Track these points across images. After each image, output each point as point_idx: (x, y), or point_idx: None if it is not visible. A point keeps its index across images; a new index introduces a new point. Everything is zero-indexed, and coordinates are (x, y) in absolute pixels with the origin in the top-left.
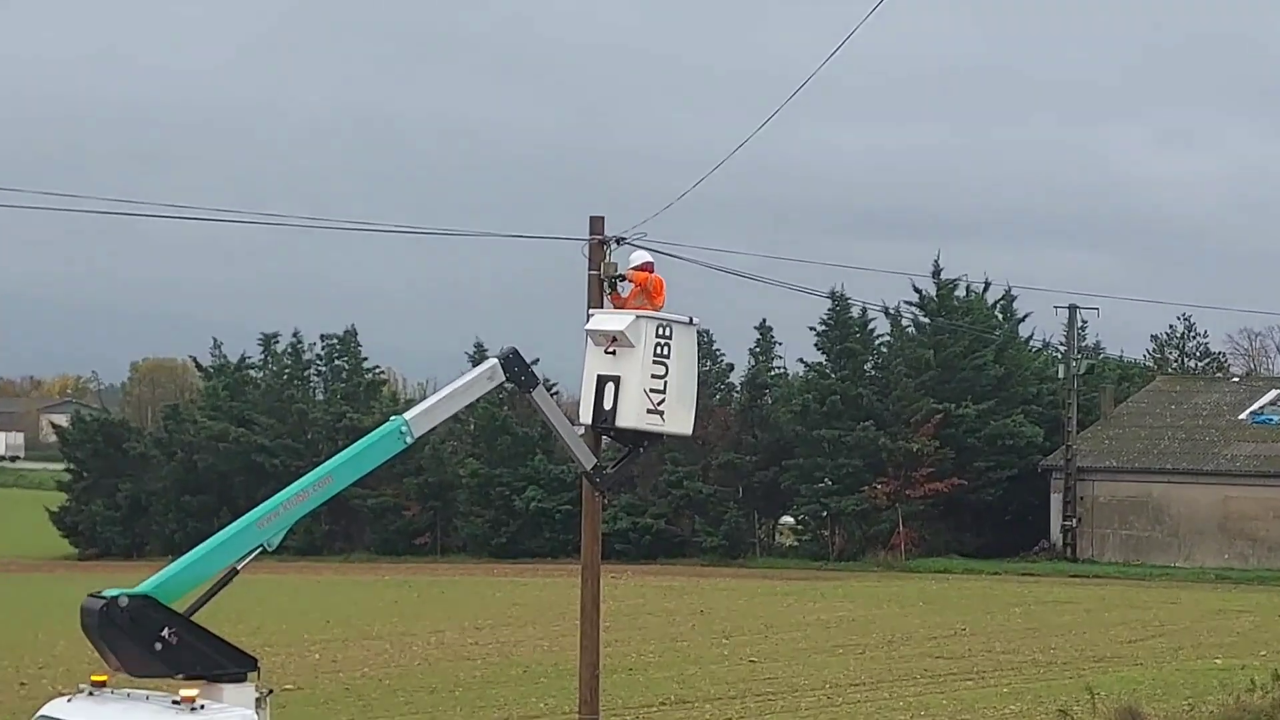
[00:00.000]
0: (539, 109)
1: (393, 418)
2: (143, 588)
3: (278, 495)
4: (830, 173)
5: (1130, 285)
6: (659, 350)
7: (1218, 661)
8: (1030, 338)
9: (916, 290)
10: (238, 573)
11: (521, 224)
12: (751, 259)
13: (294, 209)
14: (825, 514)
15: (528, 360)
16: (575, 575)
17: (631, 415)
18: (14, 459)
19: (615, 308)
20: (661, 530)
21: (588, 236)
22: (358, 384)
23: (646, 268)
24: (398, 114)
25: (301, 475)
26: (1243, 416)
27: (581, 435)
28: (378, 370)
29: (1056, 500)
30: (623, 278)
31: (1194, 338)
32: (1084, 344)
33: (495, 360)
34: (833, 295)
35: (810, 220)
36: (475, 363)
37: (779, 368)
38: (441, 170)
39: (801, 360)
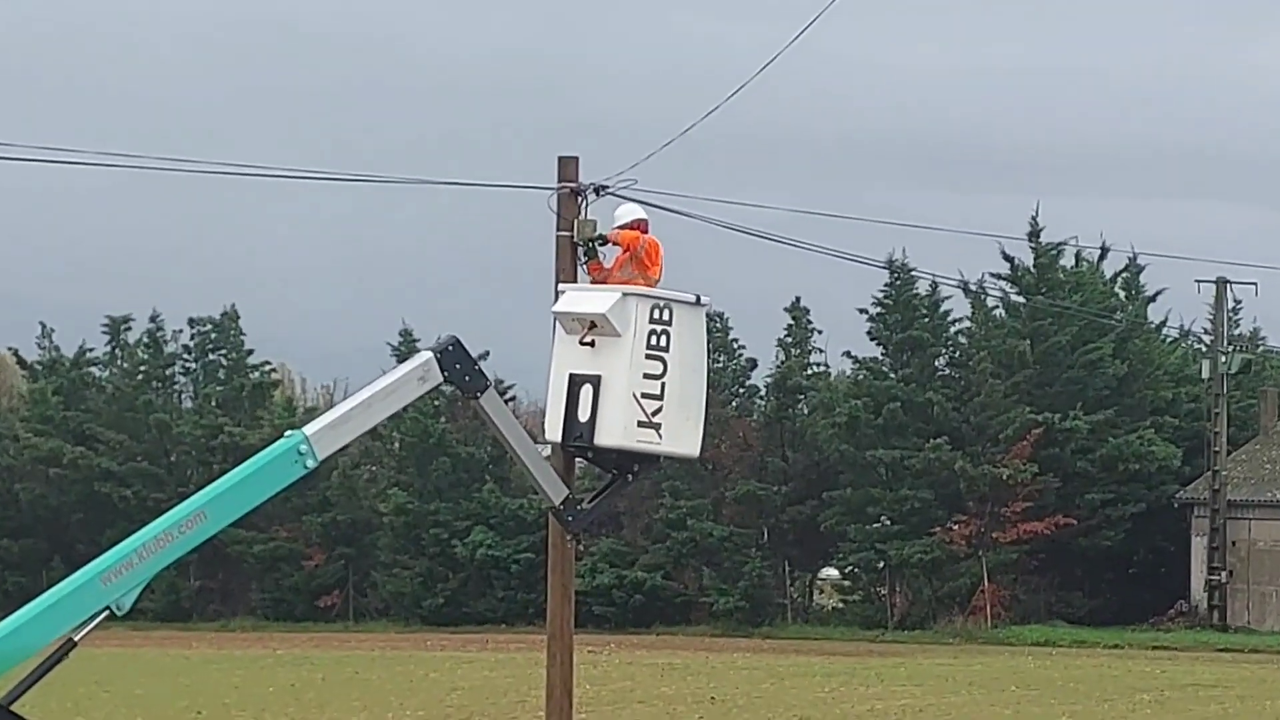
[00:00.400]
0: (490, 12)
1: (288, 433)
2: None
3: (130, 539)
4: (885, 101)
5: None
6: (654, 340)
7: None
8: (1164, 323)
9: (1007, 258)
10: (76, 645)
11: (465, 168)
12: (780, 216)
13: (150, 147)
14: (882, 565)
15: (473, 354)
16: (539, 649)
17: (616, 430)
18: None
19: (594, 282)
20: (657, 587)
21: (555, 185)
22: (239, 387)
23: (638, 227)
24: (296, 20)
25: (163, 511)
26: None
27: (548, 457)
28: (268, 368)
29: (1199, 546)
30: (604, 239)
31: None
32: (1237, 332)
33: (429, 354)
34: (892, 265)
35: (859, 164)
36: (402, 357)
37: (818, 364)
38: (356, 97)
39: (849, 354)
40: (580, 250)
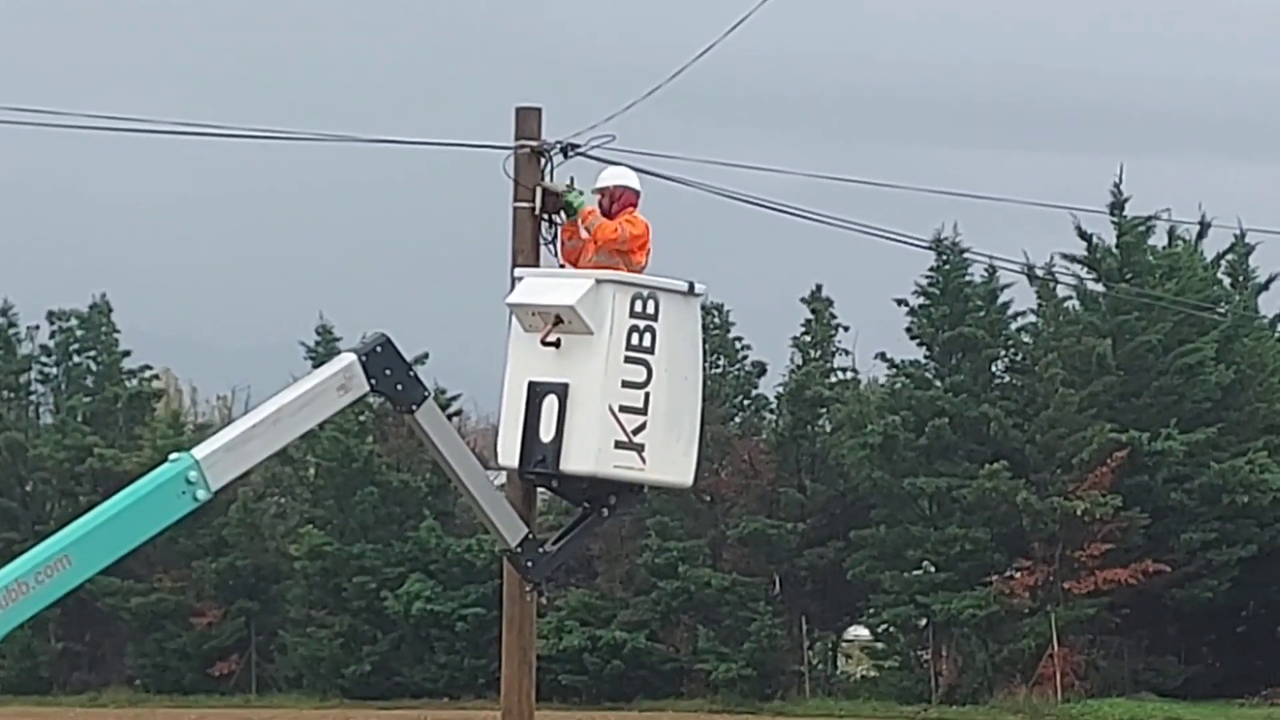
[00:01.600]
0: None
1: (174, 456)
2: None
3: None
4: (925, 38)
5: None
6: (635, 339)
7: None
8: (1279, 317)
9: (1083, 235)
10: None
11: (399, 124)
12: (795, 182)
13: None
14: (924, 623)
15: (407, 357)
16: None
17: (588, 452)
18: None
19: (567, 262)
20: (640, 650)
21: (512, 143)
22: (112, 398)
23: (623, 199)
24: None
25: (16, 554)
26: None
27: (501, 487)
28: (148, 374)
29: None
30: (574, 193)
31: None
32: None
33: (352, 357)
34: (939, 244)
35: (893, 118)
36: (319, 361)
37: (844, 370)
38: (259, 33)
39: (883, 356)
40: (544, 222)
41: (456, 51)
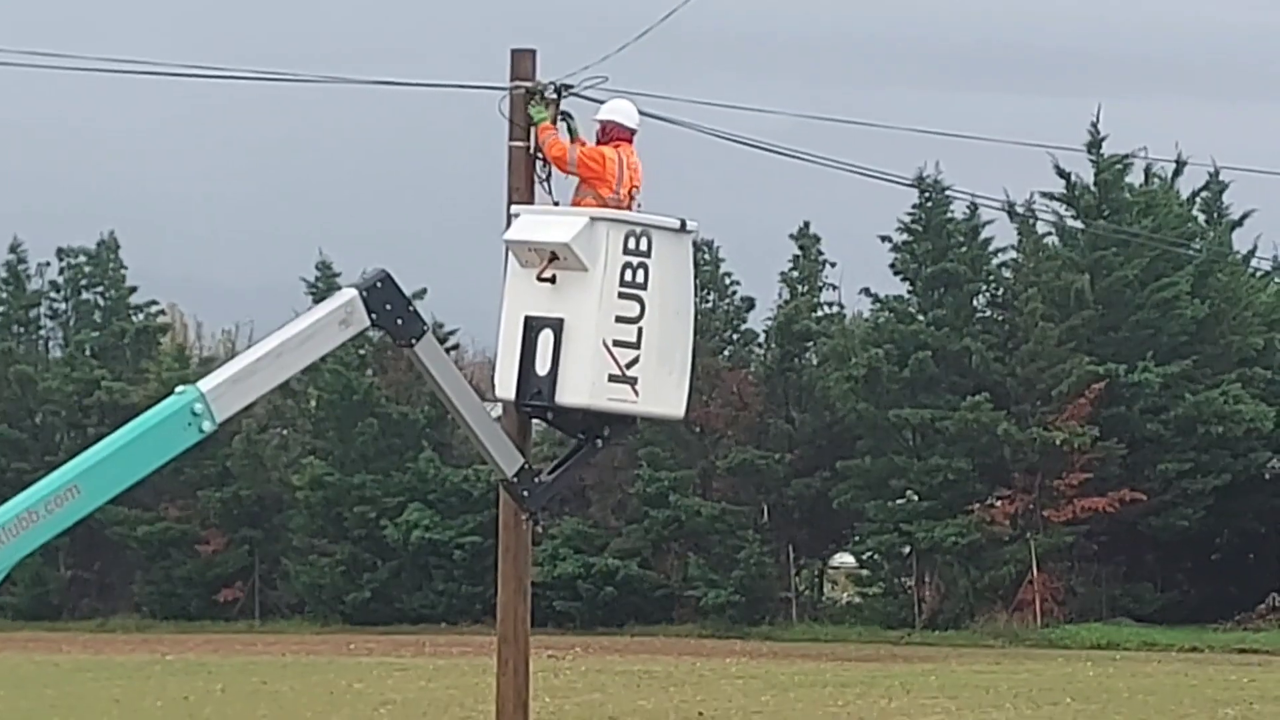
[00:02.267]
0: None
1: (180, 389)
2: None
3: None
4: None
5: None
6: (629, 275)
7: None
8: (1252, 253)
9: (1061, 174)
10: None
11: (395, 65)
12: (782, 122)
13: (5, 38)
14: (908, 551)
15: (406, 293)
16: (488, 654)
17: (583, 385)
18: None
19: (545, 155)
20: (633, 577)
21: (507, 84)
22: (119, 332)
23: (612, 132)
24: None
25: (27, 484)
26: None
27: (498, 419)
28: (154, 309)
29: None
30: (535, 108)
31: None
32: None
33: (353, 292)
34: (921, 182)
35: (877, 60)
36: (319, 296)
37: (830, 304)
38: None
39: (868, 292)
40: (536, 159)
41: None
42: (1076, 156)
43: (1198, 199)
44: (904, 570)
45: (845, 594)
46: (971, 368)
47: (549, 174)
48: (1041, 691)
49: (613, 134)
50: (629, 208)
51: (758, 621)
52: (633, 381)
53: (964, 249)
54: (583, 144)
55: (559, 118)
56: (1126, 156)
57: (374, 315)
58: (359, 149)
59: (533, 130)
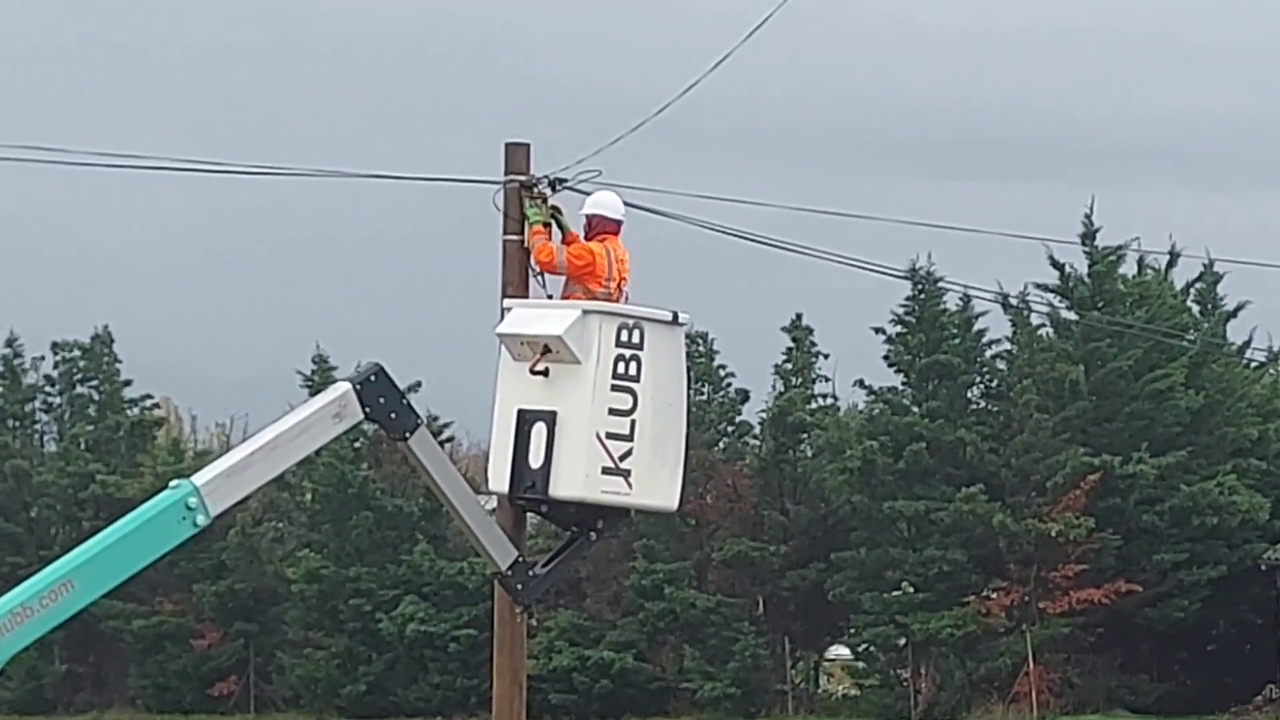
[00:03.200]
0: None
1: (175, 483)
2: None
3: None
4: (899, 72)
5: None
6: (622, 368)
7: None
8: (1247, 344)
9: (1055, 265)
10: None
11: (391, 159)
12: (775, 214)
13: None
14: (904, 642)
15: (400, 386)
16: None
17: (576, 478)
18: None
19: (534, 261)
20: (628, 670)
21: (502, 178)
22: (114, 426)
23: (599, 226)
24: None
25: (21, 579)
26: None
27: (492, 512)
28: (149, 403)
29: None
30: (554, 212)
31: None
32: None
33: (347, 386)
34: (914, 274)
35: (868, 150)
36: (314, 390)
37: (824, 396)
38: (252, 72)
39: (862, 384)
40: (524, 236)
41: (445, 89)
42: (1070, 248)
43: (1192, 290)
44: (900, 662)
45: (841, 686)
46: (966, 459)
47: (526, 233)
48: None
49: (599, 227)
50: (618, 300)
51: (754, 714)
52: (626, 474)
53: (958, 340)
54: (575, 238)
55: (550, 215)
56: (1120, 247)
57: (368, 409)
58: (353, 242)
59: (526, 228)
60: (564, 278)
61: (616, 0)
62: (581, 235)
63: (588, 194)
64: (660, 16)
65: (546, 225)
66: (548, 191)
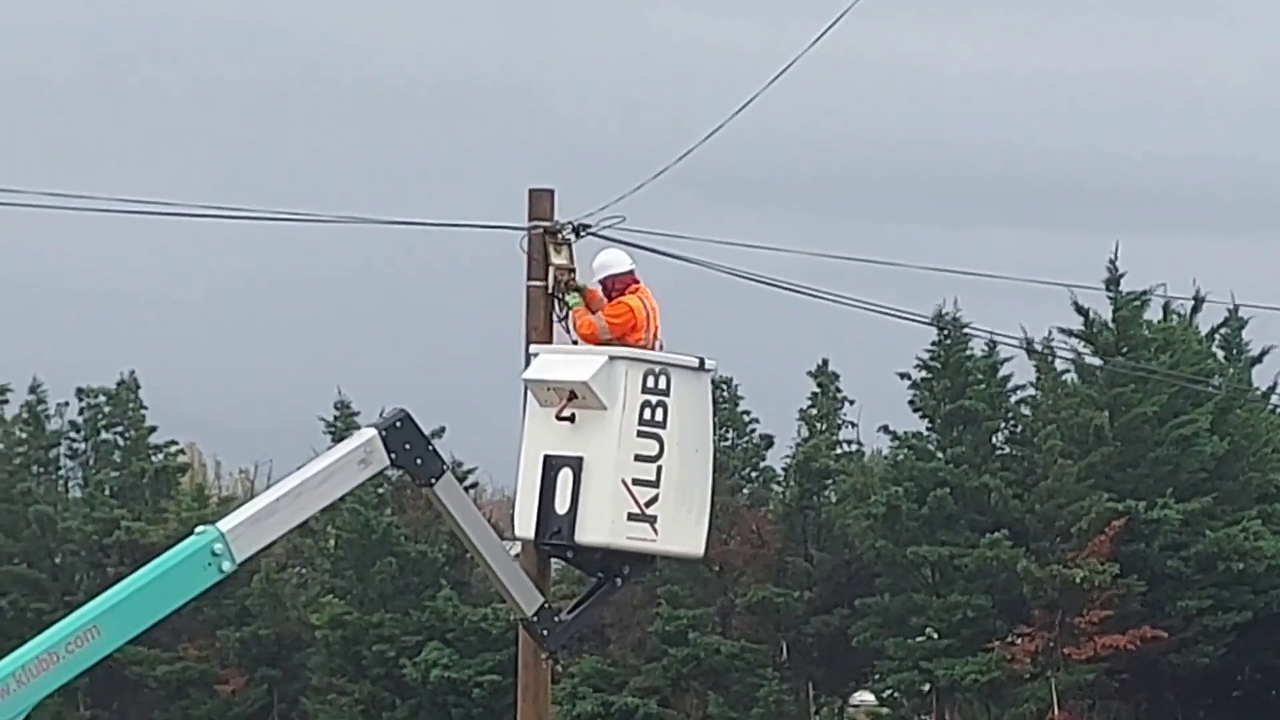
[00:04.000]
0: (431, 13)
1: (200, 529)
2: None
3: (6, 660)
4: (920, 117)
5: None
6: (647, 414)
7: None
8: (1272, 389)
9: (1079, 311)
10: None
11: (414, 205)
12: (801, 260)
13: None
14: (928, 688)
15: (425, 432)
16: None
17: (602, 524)
18: None
19: (578, 338)
20: (651, 716)
21: (526, 224)
22: (139, 472)
23: (618, 283)
24: (189, 23)
25: (46, 625)
26: None
27: (518, 557)
28: (174, 449)
29: None
30: (579, 289)
31: None
32: None
33: (372, 432)
34: (939, 320)
35: (890, 195)
36: (338, 436)
37: (849, 442)
38: (273, 119)
39: (887, 429)
40: (555, 302)
41: (467, 134)
42: (1095, 293)
43: (1217, 335)
44: (924, 708)
45: None
46: (990, 505)
47: (566, 314)
48: None
49: (619, 285)
50: (652, 348)
51: None
52: (652, 520)
53: (982, 386)
54: (594, 294)
55: (575, 291)
56: (1145, 293)
57: (393, 455)
58: (377, 288)
59: (569, 313)
60: (582, 325)
61: (636, 45)
62: (600, 289)
63: (610, 240)
64: (682, 62)
65: (570, 289)
66: (571, 238)
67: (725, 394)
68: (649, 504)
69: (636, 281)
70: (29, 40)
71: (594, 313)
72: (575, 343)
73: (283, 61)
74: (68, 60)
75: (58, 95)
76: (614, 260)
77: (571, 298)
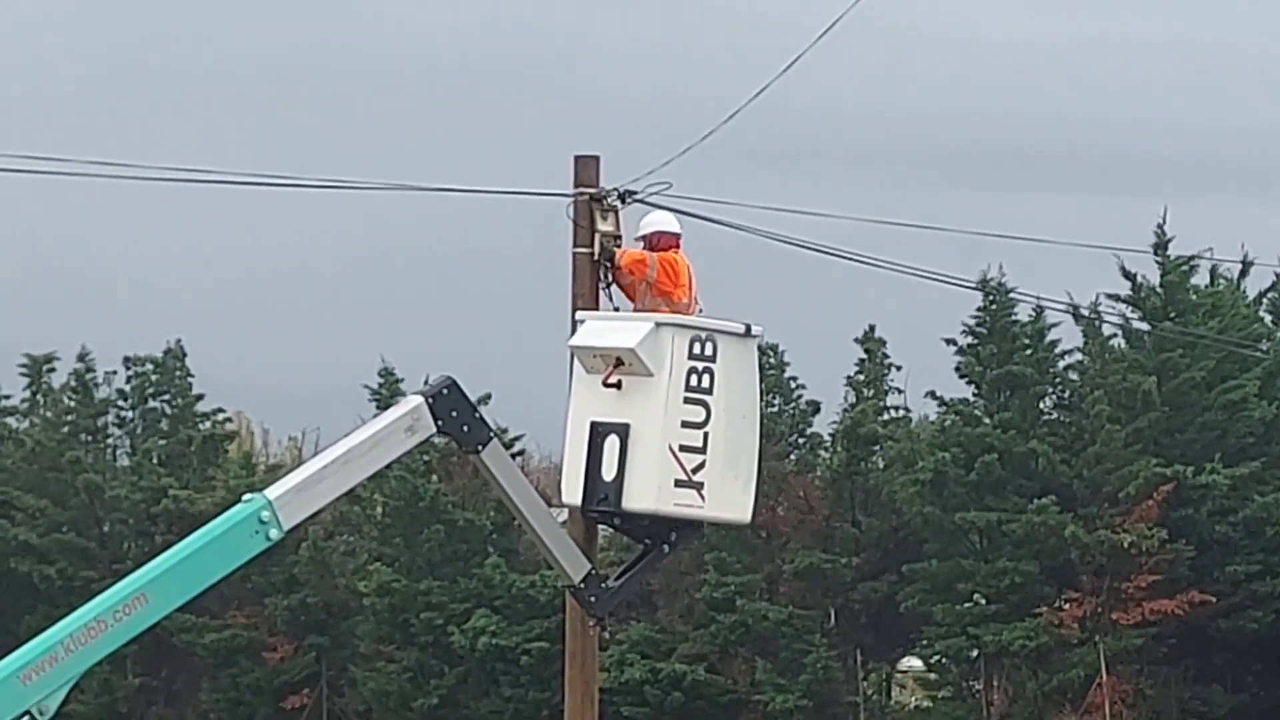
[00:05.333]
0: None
1: (247, 497)
2: None
3: (54, 628)
4: (964, 83)
5: None
6: (694, 380)
7: None
8: None
9: (1127, 275)
10: None
11: (460, 172)
12: (848, 225)
13: (74, 149)
14: (976, 654)
15: (472, 399)
16: None
17: (649, 491)
18: None
19: (622, 275)
20: (700, 682)
21: (571, 190)
22: (186, 440)
23: (662, 241)
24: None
25: (95, 593)
26: None
27: (565, 524)
28: (221, 417)
29: None
30: (619, 244)
31: None
32: None
33: (419, 399)
34: (986, 285)
35: (935, 161)
36: (384, 403)
37: (896, 408)
38: (317, 88)
39: (934, 395)
40: (601, 268)
41: (510, 104)
42: (1142, 258)
43: (1264, 299)
44: (972, 674)
45: (914, 698)
46: (1038, 470)
47: (610, 281)
48: None
49: (666, 243)
50: (692, 312)
51: None
52: (699, 486)
53: (1030, 351)
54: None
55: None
56: (1192, 258)
57: (440, 422)
58: (422, 255)
59: (598, 241)
60: (630, 285)
61: (679, 11)
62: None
63: (657, 206)
64: (723, 27)
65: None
66: (618, 204)
67: (772, 360)
68: (696, 470)
69: (678, 248)
70: (77, 14)
71: (631, 273)
72: (617, 309)
73: (326, 42)
74: (110, 37)
75: (98, 71)
76: (664, 219)
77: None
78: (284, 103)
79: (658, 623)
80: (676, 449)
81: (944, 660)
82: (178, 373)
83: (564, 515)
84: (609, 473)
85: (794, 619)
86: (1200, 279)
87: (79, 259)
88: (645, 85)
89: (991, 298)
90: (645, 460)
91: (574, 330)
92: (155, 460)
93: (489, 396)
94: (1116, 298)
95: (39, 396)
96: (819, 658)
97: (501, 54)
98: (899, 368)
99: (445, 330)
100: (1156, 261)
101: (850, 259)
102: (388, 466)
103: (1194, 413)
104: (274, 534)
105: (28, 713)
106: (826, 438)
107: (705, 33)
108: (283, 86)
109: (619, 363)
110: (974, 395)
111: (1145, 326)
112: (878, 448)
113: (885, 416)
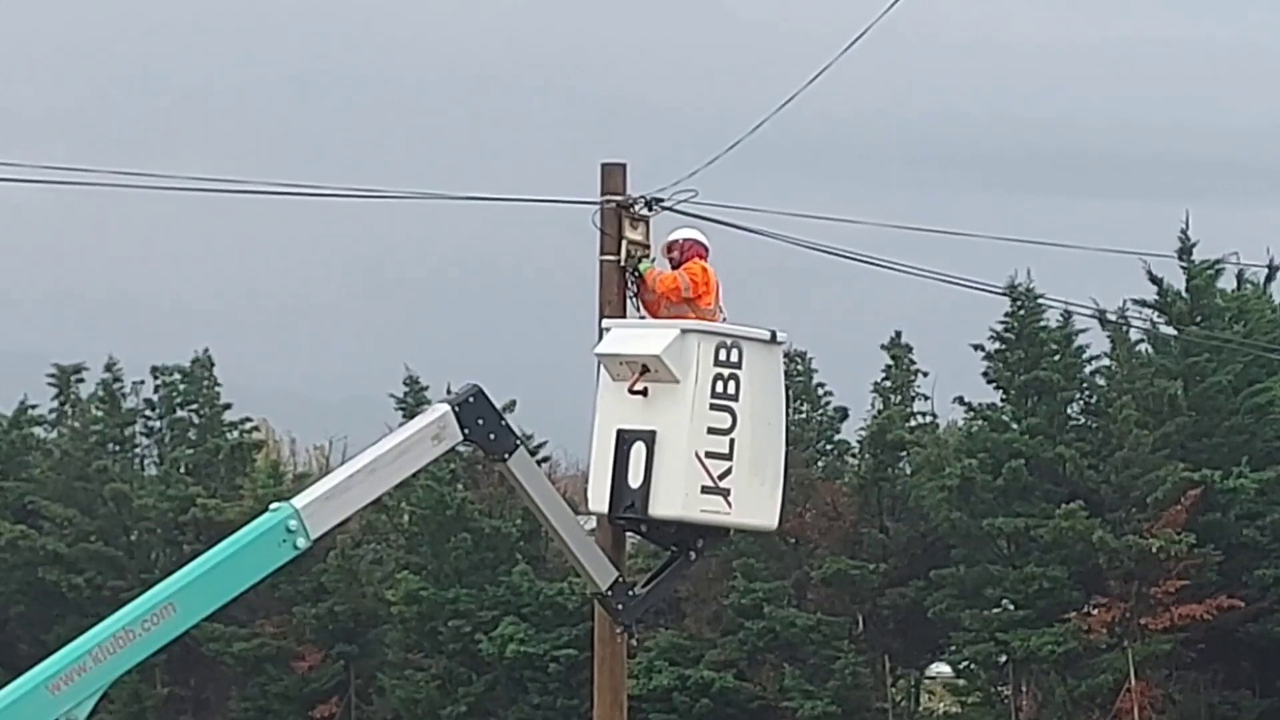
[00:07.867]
0: (518, 6)
1: (275, 506)
2: None
3: (83, 638)
4: (991, 90)
5: None
6: (720, 387)
7: None
8: None
9: (1153, 280)
10: None
11: (487, 181)
12: (871, 232)
13: (100, 161)
14: (1004, 660)
15: (498, 407)
16: None
17: (676, 498)
18: None
19: (656, 295)
20: (728, 689)
21: (598, 198)
22: (214, 449)
23: (690, 250)
24: (270, 10)
25: (123, 603)
26: None
27: (592, 532)
28: (248, 426)
29: None
30: (647, 253)
31: None
32: None
33: (445, 407)
34: (1014, 290)
35: (960, 167)
36: (410, 412)
37: (923, 414)
38: (346, 98)
39: (961, 400)
40: (628, 275)
41: (541, 110)
42: (1167, 262)
43: None
44: (1001, 679)
45: (942, 704)
46: (1065, 475)
47: (636, 290)
48: None
49: (691, 251)
50: (718, 320)
51: None
52: (725, 493)
53: (1057, 357)
54: (653, 274)
55: (645, 257)
56: (1218, 261)
57: (467, 430)
58: (449, 263)
59: (625, 249)
60: (655, 303)
61: (707, 24)
62: (668, 265)
63: (685, 214)
64: (750, 37)
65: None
66: (646, 212)
67: (799, 367)
68: (722, 477)
69: (704, 259)
70: (94, 24)
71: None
72: (643, 317)
73: (352, 52)
74: (131, 47)
75: (136, 77)
76: (694, 232)
77: (644, 265)
78: (310, 112)
79: (686, 629)
80: (703, 455)
81: (972, 666)
82: (205, 382)
83: (591, 523)
84: (635, 480)
85: (822, 625)
86: (1226, 283)
87: (107, 270)
88: (670, 91)
89: (1018, 303)
90: (672, 467)
91: (600, 338)
92: (183, 469)
93: (514, 404)
94: (1143, 303)
95: (67, 406)
96: (847, 664)
97: (526, 60)
98: (926, 374)
99: (471, 338)
100: (1182, 266)
101: (876, 265)
102: (414, 475)
103: (1221, 417)
104: (301, 543)
105: None
106: (854, 444)
107: (734, 45)
108: (309, 96)
109: (645, 370)
110: (1001, 401)
111: (1172, 331)
112: (905, 454)
113: (912, 422)
